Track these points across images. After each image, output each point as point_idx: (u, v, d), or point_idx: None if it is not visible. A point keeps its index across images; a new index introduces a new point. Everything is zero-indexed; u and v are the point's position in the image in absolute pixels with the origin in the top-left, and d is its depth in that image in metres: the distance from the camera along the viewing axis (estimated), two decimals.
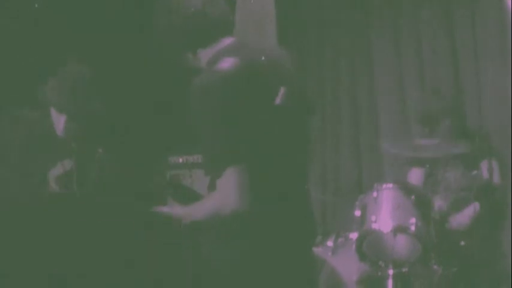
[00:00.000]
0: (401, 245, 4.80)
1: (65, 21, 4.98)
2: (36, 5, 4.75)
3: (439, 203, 5.00)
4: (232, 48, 2.86)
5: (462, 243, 4.99)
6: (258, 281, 2.79)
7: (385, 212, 4.84)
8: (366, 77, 6.52)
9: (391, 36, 6.38)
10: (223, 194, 2.69)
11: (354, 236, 4.98)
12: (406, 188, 4.93)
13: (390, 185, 4.94)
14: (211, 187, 2.81)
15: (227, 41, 2.91)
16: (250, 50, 2.88)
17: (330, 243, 5.19)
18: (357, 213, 4.97)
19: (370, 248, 4.87)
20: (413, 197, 4.85)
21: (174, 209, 2.88)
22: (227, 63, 2.74)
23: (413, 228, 4.71)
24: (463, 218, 5.04)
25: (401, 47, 6.32)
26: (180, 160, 5.09)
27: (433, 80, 6.06)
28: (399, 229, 4.74)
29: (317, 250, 5.29)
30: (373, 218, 4.81)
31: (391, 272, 4.78)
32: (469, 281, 4.91)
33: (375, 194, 4.92)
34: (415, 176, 5.41)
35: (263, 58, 2.87)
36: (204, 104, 2.68)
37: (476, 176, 5.08)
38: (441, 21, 6.03)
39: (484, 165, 4.98)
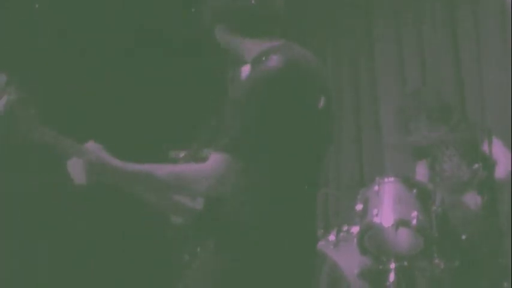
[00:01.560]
0: (403, 238, 4.80)
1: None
2: (37, 5, 4.74)
3: (440, 195, 4.99)
4: (280, 47, 2.86)
5: (463, 237, 4.97)
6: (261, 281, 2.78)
7: (387, 205, 4.83)
8: (367, 69, 6.53)
9: (392, 31, 6.40)
10: (211, 168, 2.65)
11: (355, 229, 4.98)
12: (407, 182, 4.93)
13: (392, 179, 4.94)
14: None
15: (274, 40, 2.91)
16: (296, 52, 2.88)
17: (331, 237, 5.19)
18: (359, 206, 4.96)
19: (372, 242, 4.86)
20: (415, 190, 4.84)
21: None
22: (275, 62, 2.74)
23: (415, 221, 4.71)
24: (462, 206, 5.06)
25: (403, 40, 6.33)
26: (181, 155, 5.07)
27: (434, 73, 6.07)
28: (401, 223, 4.73)
29: (319, 244, 5.29)
30: (375, 211, 4.80)
31: (392, 265, 4.77)
32: (471, 275, 4.90)
33: (376, 187, 4.91)
34: (421, 170, 5.41)
35: (306, 62, 2.87)
36: (252, 95, 2.67)
37: (477, 170, 5.07)
38: (443, 15, 6.04)
39: (484, 159, 4.98)
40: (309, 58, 2.90)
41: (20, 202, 4.81)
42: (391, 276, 4.76)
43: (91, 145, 2.72)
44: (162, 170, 2.69)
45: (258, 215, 2.74)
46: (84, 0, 5.06)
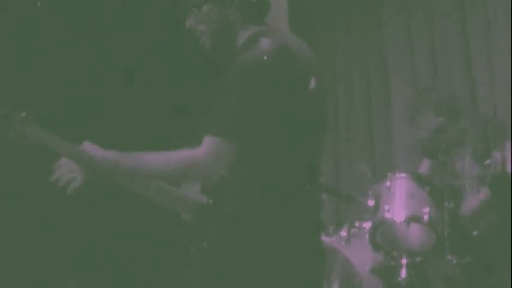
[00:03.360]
0: (415, 234, 4.80)
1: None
2: (39, 4, 4.74)
3: (452, 192, 4.98)
4: (268, 31, 2.87)
5: (475, 232, 4.96)
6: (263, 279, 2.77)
7: (399, 201, 4.83)
8: (378, 67, 6.53)
9: (403, 28, 6.40)
10: (205, 152, 2.66)
11: (367, 225, 4.98)
12: (419, 178, 4.93)
13: (403, 175, 4.94)
14: (204, 191, 2.83)
15: (263, 25, 2.92)
16: (283, 35, 2.90)
17: (343, 233, 5.19)
18: (370, 202, 4.96)
19: (384, 238, 4.87)
20: (426, 186, 4.84)
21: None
22: (266, 44, 2.75)
23: (426, 217, 4.71)
24: (473, 202, 5.03)
25: (413, 37, 6.33)
26: None
27: (445, 70, 6.07)
28: (413, 218, 4.74)
29: (330, 240, 5.29)
30: (387, 207, 4.81)
31: (404, 261, 4.78)
32: (483, 271, 4.89)
33: (388, 183, 4.91)
34: (425, 166, 5.40)
35: (294, 44, 2.88)
36: (245, 78, 2.68)
37: (489, 166, 5.05)
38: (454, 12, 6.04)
39: (497, 155, 4.96)
40: (297, 41, 2.92)
41: (19, 202, 4.81)
42: (403, 272, 4.76)
43: (86, 145, 2.74)
44: (157, 157, 2.71)
45: (254, 202, 2.74)
46: (85, 0, 5.04)
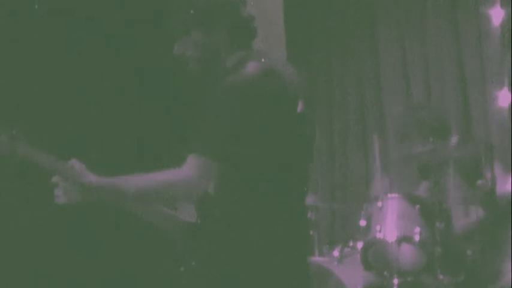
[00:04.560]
0: (406, 254, 4.81)
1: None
2: (37, 6, 4.75)
3: (443, 212, 4.99)
4: (255, 55, 2.91)
5: (469, 252, 4.97)
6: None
7: (390, 221, 4.86)
8: (372, 84, 6.59)
9: (397, 39, 6.44)
10: (188, 172, 2.70)
11: (359, 245, 5.00)
12: (410, 198, 4.95)
13: (395, 195, 4.97)
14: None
15: (249, 50, 2.96)
16: (271, 59, 2.94)
17: (336, 252, 5.21)
18: (362, 222, 4.99)
19: (375, 258, 4.88)
20: (418, 206, 4.87)
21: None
22: (253, 67, 2.79)
23: (417, 237, 4.74)
24: (466, 222, 5.05)
25: (407, 50, 6.37)
26: None
27: (439, 86, 6.10)
28: (404, 239, 4.76)
29: (323, 260, 5.31)
30: (378, 227, 4.84)
31: (396, 281, 4.78)
32: None
33: (379, 203, 4.94)
34: (425, 187, 5.41)
35: (282, 68, 2.92)
36: (232, 100, 2.72)
37: (481, 186, 5.06)
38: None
39: (488, 174, 4.98)
40: (284, 65, 2.97)
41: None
42: None
43: (74, 163, 2.81)
44: (140, 179, 2.76)
45: (241, 222, 2.78)
46: (84, 2, 5.04)
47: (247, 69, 2.79)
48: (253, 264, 2.78)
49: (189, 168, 2.69)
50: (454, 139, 5.09)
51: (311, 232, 5.57)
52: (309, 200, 5.62)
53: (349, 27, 6.77)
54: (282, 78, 2.84)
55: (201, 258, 2.86)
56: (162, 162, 2.84)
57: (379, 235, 4.82)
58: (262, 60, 2.86)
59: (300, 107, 2.88)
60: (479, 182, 5.06)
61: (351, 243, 5.25)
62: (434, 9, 6.17)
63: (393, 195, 4.97)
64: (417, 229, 4.76)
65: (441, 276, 4.72)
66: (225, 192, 2.80)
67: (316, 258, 5.42)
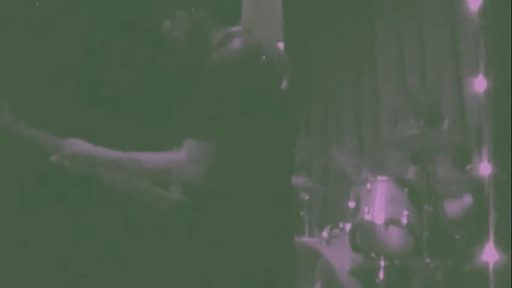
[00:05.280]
0: (393, 237, 4.85)
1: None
2: (38, 4, 4.77)
3: (432, 195, 5.02)
4: (240, 32, 2.94)
5: (457, 236, 4.99)
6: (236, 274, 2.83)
7: (378, 204, 4.88)
8: (369, 70, 6.59)
9: (393, 30, 6.45)
10: (185, 155, 2.74)
11: (347, 227, 5.02)
12: (399, 181, 4.97)
13: (384, 178, 4.98)
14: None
15: (235, 27, 2.98)
16: (255, 35, 2.97)
17: (325, 233, 5.23)
18: (351, 204, 5.01)
19: (363, 239, 4.92)
20: (406, 189, 4.89)
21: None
22: (238, 44, 2.82)
23: (405, 220, 4.76)
24: (456, 205, 5.06)
25: (403, 40, 6.38)
26: None
27: (433, 73, 6.11)
28: (391, 221, 4.79)
29: (312, 241, 5.35)
30: (366, 209, 4.86)
31: (383, 263, 4.81)
32: (462, 275, 4.92)
33: (368, 185, 4.95)
34: (414, 172, 5.43)
35: (266, 45, 2.95)
36: (217, 77, 2.75)
37: (470, 171, 5.08)
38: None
39: (476, 160, 4.99)
40: (270, 42, 3.00)
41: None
42: (381, 274, 4.80)
43: (71, 140, 2.86)
44: (140, 156, 2.82)
45: (229, 198, 2.81)
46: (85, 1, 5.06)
47: (231, 45, 2.82)
48: (238, 243, 2.80)
49: (186, 151, 2.74)
50: (444, 124, 5.10)
51: (302, 213, 5.62)
52: (301, 181, 5.67)
53: (347, 15, 6.79)
54: (267, 54, 2.87)
55: (188, 236, 2.89)
56: (152, 145, 2.88)
57: (367, 217, 4.85)
58: (246, 37, 2.89)
59: (283, 85, 2.91)
60: (468, 167, 5.09)
61: (340, 225, 5.27)
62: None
63: (382, 177, 4.98)
64: (405, 212, 4.78)
65: (428, 260, 4.74)
66: (212, 170, 2.82)
67: (306, 239, 5.46)
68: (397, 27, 6.45)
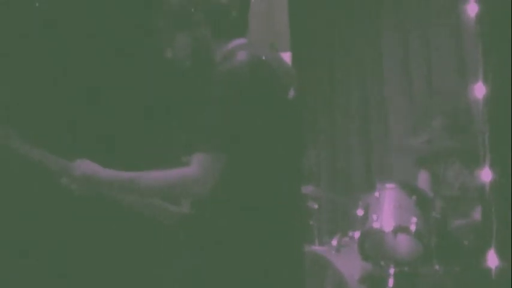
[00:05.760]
0: (402, 244, 4.85)
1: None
2: (37, 4, 4.77)
3: (441, 203, 5.02)
4: (245, 45, 2.94)
5: (465, 242, 4.99)
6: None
7: (387, 211, 4.88)
8: (375, 77, 6.60)
9: (399, 35, 6.45)
10: (195, 170, 2.73)
11: (356, 235, 5.03)
12: (407, 188, 4.97)
13: (392, 185, 4.99)
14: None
15: (239, 40, 2.99)
16: (259, 48, 2.98)
17: (334, 242, 5.24)
18: (360, 212, 5.02)
19: (372, 247, 4.92)
20: (414, 196, 4.89)
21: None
22: (243, 56, 2.82)
23: (414, 227, 4.76)
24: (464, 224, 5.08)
25: (409, 44, 6.39)
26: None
27: (440, 79, 6.11)
28: (400, 229, 4.79)
29: (321, 249, 5.35)
30: (375, 217, 4.86)
31: (392, 271, 4.81)
32: (472, 281, 4.91)
33: (377, 193, 4.96)
34: (423, 178, 5.43)
35: (271, 56, 2.96)
36: (225, 89, 2.75)
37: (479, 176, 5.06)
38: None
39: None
40: (274, 54, 3.01)
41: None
42: (391, 282, 4.80)
43: (79, 161, 2.88)
44: (149, 176, 2.79)
45: (243, 211, 2.80)
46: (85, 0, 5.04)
47: (237, 58, 2.82)
48: (248, 254, 2.81)
49: (197, 167, 2.71)
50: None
51: (311, 222, 5.63)
52: (310, 190, 5.68)
53: (353, 22, 6.81)
54: (272, 65, 2.88)
55: (198, 249, 2.90)
56: (160, 162, 2.88)
57: (376, 225, 4.85)
58: (250, 49, 2.89)
59: (291, 94, 2.92)
60: (477, 172, 5.08)
61: (349, 233, 5.28)
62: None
63: (390, 185, 4.98)
64: (413, 219, 4.78)
65: (437, 267, 4.75)
66: (222, 182, 2.82)
67: (315, 248, 5.47)
68: (403, 34, 6.45)
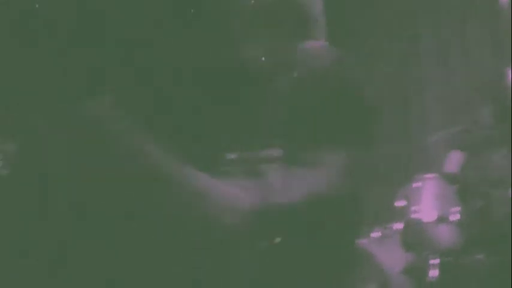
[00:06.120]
0: (444, 234, 4.81)
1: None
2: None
3: (483, 189, 4.96)
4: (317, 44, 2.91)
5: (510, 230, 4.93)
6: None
7: (428, 201, 4.86)
8: (413, 65, 6.57)
9: (436, 27, 6.42)
10: (329, 172, 2.66)
11: (398, 226, 5.01)
12: (448, 177, 4.94)
13: (432, 175, 4.96)
14: None
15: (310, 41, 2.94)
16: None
17: (375, 234, 5.22)
18: (401, 203, 5.00)
19: (414, 238, 4.89)
20: (455, 186, 4.85)
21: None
22: (322, 55, 2.80)
23: (455, 217, 4.73)
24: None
25: (446, 37, 6.35)
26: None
27: (478, 66, 6.07)
28: (441, 219, 4.77)
29: (363, 242, 5.33)
30: (416, 208, 4.84)
31: (435, 262, 4.78)
32: None
33: (417, 184, 4.94)
34: (455, 160, 5.37)
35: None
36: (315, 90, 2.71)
37: None
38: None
39: None
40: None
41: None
42: (434, 272, 4.77)
43: None
44: None
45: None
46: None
47: (317, 57, 2.78)
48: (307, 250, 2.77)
49: None
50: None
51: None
52: None
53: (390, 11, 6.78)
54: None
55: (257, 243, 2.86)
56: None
57: (417, 216, 4.83)
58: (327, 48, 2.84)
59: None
60: None
61: (390, 225, 5.25)
62: None
63: (430, 175, 4.95)
64: (455, 209, 4.75)
65: (481, 256, 4.71)
66: None
67: (358, 240, 5.43)
68: (439, 22, 6.41)
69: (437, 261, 4.78)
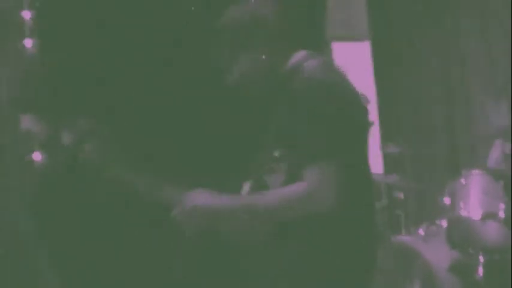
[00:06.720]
0: (491, 231, 4.76)
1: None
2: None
3: None
4: (310, 54, 2.90)
5: None
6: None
7: (474, 198, 4.81)
8: (457, 64, 6.53)
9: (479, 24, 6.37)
10: (316, 186, 2.58)
11: (444, 223, 4.96)
12: (494, 174, 4.88)
13: (479, 171, 4.90)
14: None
15: (301, 52, 2.93)
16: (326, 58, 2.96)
17: (421, 231, 5.18)
18: (447, 200, 4.95)
19: (460, 236, 4.84)
20: (502, 182, 4.79)
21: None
22: (315, 64, 2.78)
23: (502, 214, 4.67)
24: None
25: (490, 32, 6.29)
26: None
27: None
28: (488, 215, 4.71)
29: (409, 239, 5.29)
30: (462, 204, 4.80)
31: (482, 259, 4.73)
32: None
33: (463, 180, 4.89)
34: (501, 156, 5.30)
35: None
36: (312, 103, 2.69)
37: None
38: None
39: None
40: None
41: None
42: (481, 270, 4.72)
43: (194, 194, 2.71)
44: (265, 199, 2.66)
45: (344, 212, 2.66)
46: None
47: (312, 68, 2.76)
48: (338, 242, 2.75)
49: (314, 179, 2.57)
50: None
51: (398, 211, 5.57)
52: (395, 179, 5.63)
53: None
54: (343, 73, 2.84)
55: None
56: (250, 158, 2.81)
57: (463, 212, 4.79)
58: (321, 60, 2.83)
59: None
60: None
61: (437, 222, 5.21)
62: None
63: (477, 171, 4.89)
64: (502, 205, 4.69)
65: None
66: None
67: (403, 237, 5.41)
68: (484, 20, 6.34)
69: (484, 258, 4.73)
